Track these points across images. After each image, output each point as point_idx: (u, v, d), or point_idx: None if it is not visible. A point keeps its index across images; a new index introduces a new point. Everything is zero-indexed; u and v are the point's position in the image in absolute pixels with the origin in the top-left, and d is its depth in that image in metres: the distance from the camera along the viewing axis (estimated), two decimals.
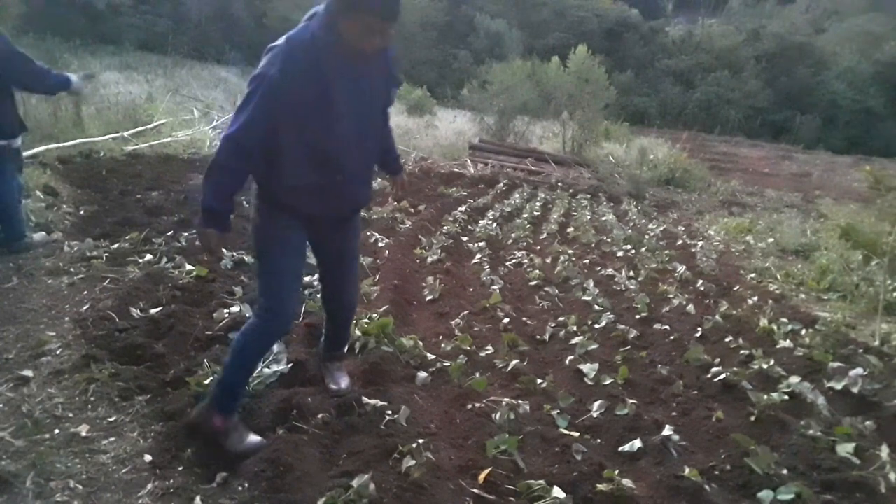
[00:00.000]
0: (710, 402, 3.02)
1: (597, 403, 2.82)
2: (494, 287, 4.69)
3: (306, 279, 4.01)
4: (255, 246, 2.32)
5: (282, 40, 2.00)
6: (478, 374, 3.04)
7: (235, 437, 2.15)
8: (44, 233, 4.28)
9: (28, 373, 2.48)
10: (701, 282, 5.43)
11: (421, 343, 3.22)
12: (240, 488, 1.94)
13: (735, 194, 12.68)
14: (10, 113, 3.86)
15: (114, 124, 8.84)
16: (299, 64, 1.94)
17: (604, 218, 8.58)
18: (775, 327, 4.15)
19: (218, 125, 10.96)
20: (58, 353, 2.67)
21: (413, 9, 29.43)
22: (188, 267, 3.80)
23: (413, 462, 2.05)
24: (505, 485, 2.16)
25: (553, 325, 4.03)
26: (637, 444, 2.50)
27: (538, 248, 6.56)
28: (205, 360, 2.56)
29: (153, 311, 3.12)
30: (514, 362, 3.26)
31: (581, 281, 5.06)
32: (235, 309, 3.21)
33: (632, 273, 5.60)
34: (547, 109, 15.53)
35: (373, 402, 2.42)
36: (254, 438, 2.17)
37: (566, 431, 2.61)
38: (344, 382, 2.62)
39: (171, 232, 4.58)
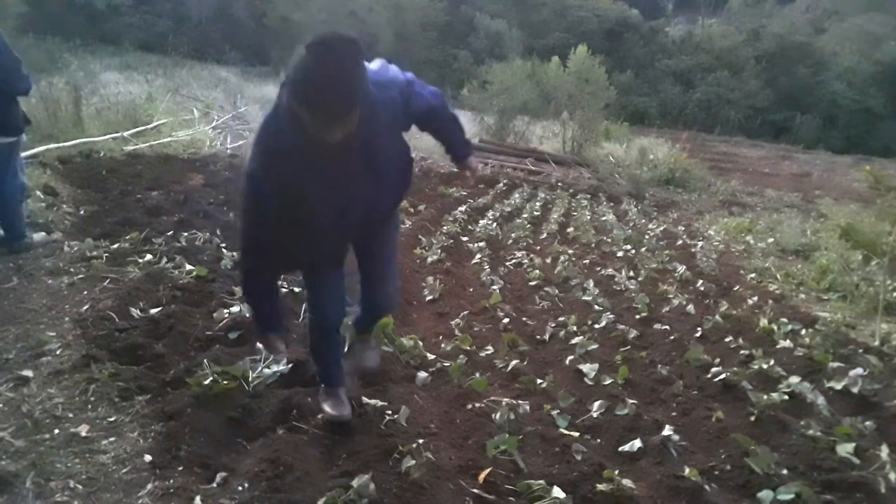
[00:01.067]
0: (710, 402, 3.02)
1: (597, 403, 2.82)
2: (494, 287, 4.69)
3: None
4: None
5: (257, 130, 1.93)
6: (478, 374, 3.04)
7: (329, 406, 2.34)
8: (44, 233, 4.28)
9: (28, 373, 2.48)
10: (701, 282, 5.43)
11: (421, 343, 3.22)
12: (240, 488, 1.94)
13: (735, 194, 12.67)
14: (16, 109, 3.87)
15: (114, 124, 8.84)
16: (275, 157, 1.86)
17: (604, 218, 8.58)
18: (775, 327, 4.15)
19: (218, 125, 10.96)
20: (58, 353, 2.67)
21: (413, 9, 29.46)
22: (188, 267, 3.80)
23: (413, 462, 2.05)
24: (505, 485, 2.16)
25: (553, 325, 4.03)
26: (637, 444, 2.50)
27: (538, 248, 6.56)
28: (205, 360, 2.55)
29: (153, 311, 3.11)
30: (514, 362, 3.26)
31: (581, 281, 5.06)
32: (235, 309, 3.21)
33: (632, 273, 5.60)
34: (547, 109, 15.53)
35: (373, 402, 2.42)
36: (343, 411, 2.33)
37: (566, 431, 2.61)
38: (373, 361, 2.71)
39: (171, 232, 4.58)
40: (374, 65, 2.04)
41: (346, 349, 2.72)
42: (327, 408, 2.32)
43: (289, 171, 1.86)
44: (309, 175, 1.88)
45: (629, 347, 3.70)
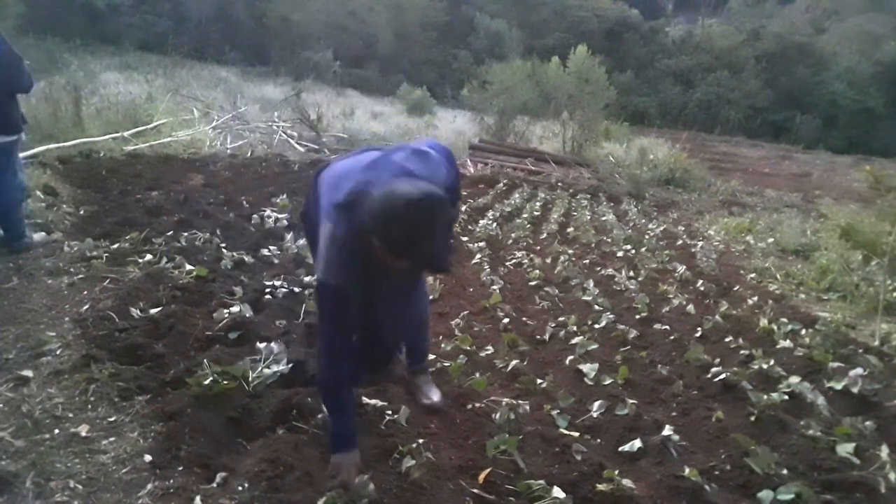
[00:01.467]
0: (710, 402, 3.02)
1: (597, 403, 2.82)
2: (494, 287, 4.69)
3: (305, 279, 4.02)
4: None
5: (332, 238, 1.92)
6: (478, 374, 3.04)
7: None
8: (44, 233, 4.28)
9: (28, 373, 2.48)
10: (701, 282, 5.43)
11: None
12: (240, 488, 1.94)
13: (735, 194, 12.67)
14: (15, 108, 3.87)
15: (114, 124, 8.84)
16: (352, 266, 1.92)
17: (604, 218, 8.58)
18: (775, 327, 4.15)
19: (218, 125, 10.96)
20: (58, 353, 2.67)
21: (413, 9, 29.45)
22: (188, 267, 3.79)
23: (413, 462, 2.05)
24: (505, 485, 2.16)
25: (553, 325, 4.03)
26: (637, 444, 2.50)
27: (538, 248, 6.56)
28: (205, 360, 2.55)
29: (153, 311, 3.11)
30: (514, 362, 3.26)
31: (581, 281, 5.06)
32: (235, 309, 3.21)
33: (632, 273, 5.60)
34: (547, 109, 15.52)
35: (373, 402, 2.42)
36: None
37: (566, 431, 2.61)
38: (436, 396, 2.63)
39: (171, 232, 4.58)
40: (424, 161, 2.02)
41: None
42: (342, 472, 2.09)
43: (358, 276, 1.94)
44: (371, 280, 1.99)
45: (629, 347, 3.70)
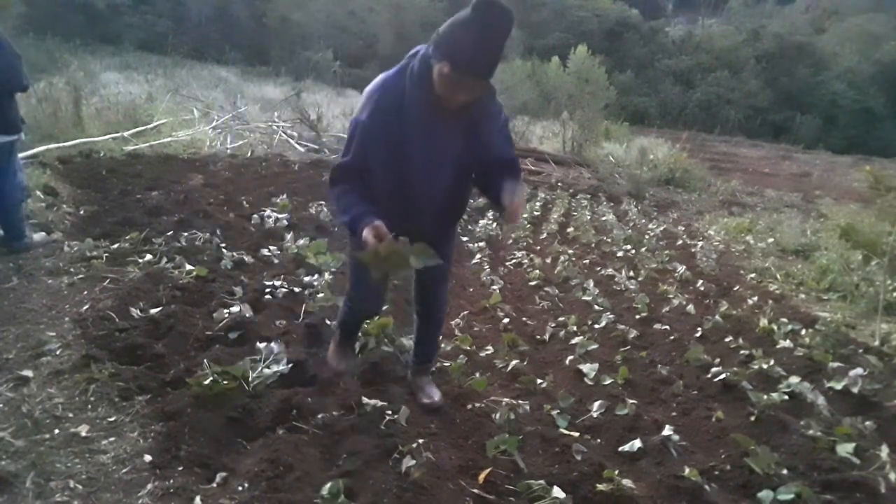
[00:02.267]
0: (710, 402, 3.02)
1: (597, 403, 2.82)
2: (494, 287, 4.69)
3: (305, 279, 4.02)
4: (349, 242, 2.47)
5: (378, 80, 2.11)
6: (478, 374, 3.04)
7: (332, 355, 2.74)
8: (44, 233, 4.28)
9: (28, 373, 2.48)
10: (701, 282, 5.43)
11: None
12: (240, 488, 1.94)
13: (735, 194, 12.68)
14: (14, 108, 3.87)
15: (114, 124, 8.84)
16: (384, 113, 2.05)
17: (604, 218, 8.58)
18: (775, 327, 4.15)
19: (218, 125, 10.96)
20: (58, 353, 2.67)
21: (413, 9, 29.45)
22: (188, 267, 3.79)
23: (413, 462, 2.04)
24: (505, 485, 2.16)
25: (553, 325, 4.03)
26: (637, 444, 2.50)
27: (538, 248, 6.56)
28: (205, 360, 2.55)
29: (153, 311, 3.11)
30: (514, 362, 3.26)
31: (581, 281, 5.07)
32: (235, 309, 3.20)
33: (632, 273, 5.60)
34: (547, 109, 15.55)
35: (373, 402, 2.42)
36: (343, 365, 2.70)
37: (566, 431, 2.61)
38: (436, 395, 2.64)
39: (171, 232, 4.58)
40: None
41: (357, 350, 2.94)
42: (332, 360, 2.73)
43: (392, 126, 2.04)
44: (409, 136, 2.06)
45: (629, 347, 3.70)
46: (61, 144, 7.06)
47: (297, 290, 3.80)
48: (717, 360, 3.50)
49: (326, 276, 4.03)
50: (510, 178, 2.11)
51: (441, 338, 3.51)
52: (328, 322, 3.20)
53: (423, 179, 2.15)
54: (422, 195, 2.19)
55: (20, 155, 4.36)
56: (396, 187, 2.16)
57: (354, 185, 2.14)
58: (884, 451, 2.47)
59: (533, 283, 5.03)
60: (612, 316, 4.22)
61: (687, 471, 2.26)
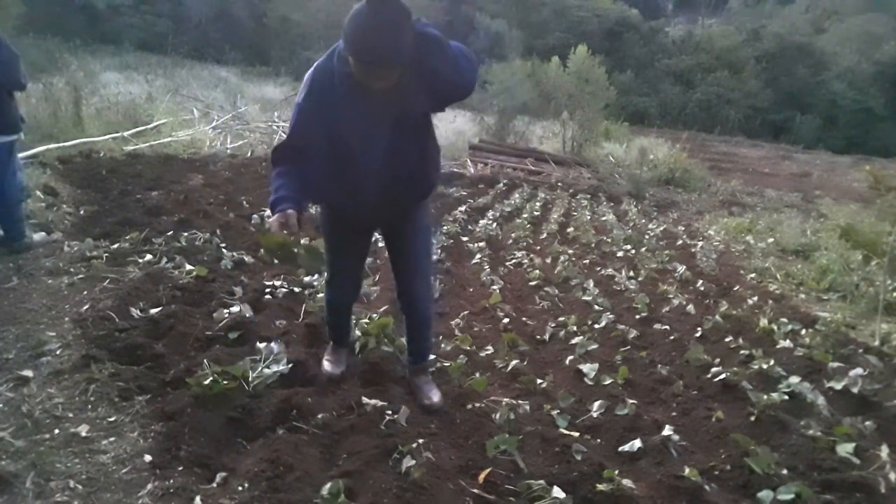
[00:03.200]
0: (710, 402, 3.02)
1: (597, 403, 2.82)
2: (494, 287, 4.69)
3: (305, 279, 4.02)
4: (321, 231, 2.60)
5: (314, 65, 2.19)
6: (478, 374, 3.04)
7: (327, 362, 2.77)
8: (44, 233, 4.28)
9: (28, 373, 2.48)
10: (701, 282, 5.43)
11: None
12: (240, 488, 1.94)
13: (735, 194, 12.68)
14: (14, 108, 3.87)
15: (114, 124, 8.84)
16: (319, 93, 2.13)
17: (604, 218, 8.58)
18: (775, 327, 4.15)
19: (218, 125, 10.96)
20: (58, 353, 2.67)
21: (413, 9, 29.40)
22: (188, 267, 3.79)
23: (413, 462, 2.04)
24: (505, 485, 2.16)
25: (553, 325, 4.03)
26: (637, 444, 2.49)
27: (538, 248, 6.56)
28: (205, 360, 2.55)
29: (153, 311, 3.11)
30: (514, 362, 3.26)
31: (581, 281, 5.07)
32: (235, 309, 3.20)
33: (632, 273, 5.60)
34: (547, 109, 15.54)
35: (373, 402, 2.42)
36: (335, 370, 2.72)
37: (566, 431, 2.61)
38: (436, 396, 2.62)
39: (171, 232, 4.58)
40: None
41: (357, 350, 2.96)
42: (325, 365, 2.75)
43: (326, 105, 2.12)
44: (343, 113, 2.11)
45: (629, 347, 3.70)
46: (61, 144, 7.06)
47: (297, 290, 3.81)
48: (717, 360, 3.50)
49: (326, 276, 4.02)
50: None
51: (440, 338, 3.52)
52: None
53: (363, 153, 2.18)
54: (367, 170, 2.21)
55: (20, 155, 4.36)
56: (342, 164, 2.21)
57: (290, 168, 2.19)
58: (884, 451, 2.47)
59: (533, 283, 5.03)
60: (612, 316, 4.21)
61: (687, 471, 2.26)
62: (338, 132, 2.15)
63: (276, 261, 2.25)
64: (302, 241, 2.20)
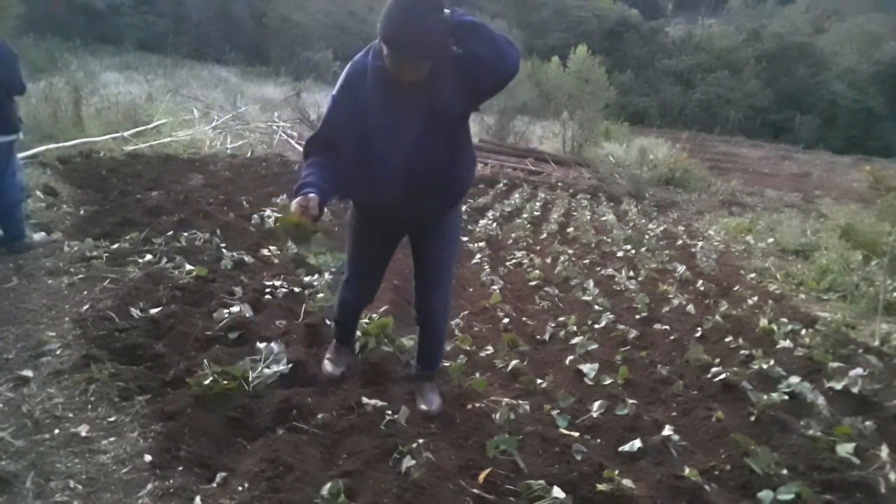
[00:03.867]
0: (710, 402, 3.02)
1: (597, 403, 2.82)
2: (494, 287, 4.69)
3: (305, 279, 4.02)
4: (348, 231, 2.61)
5: (351, 61, 2.22)
6: (478, 374, 3.04)
7: (328, 361, 2.75)
8: (44, 233, 4.28)
9: (28, 373, 2.48)
10: (701, 282, 5.43)
11: None
12: (240, 488, 1.94)
13: (735, 194, 12.68)
14: (13, 108, 3.87)
15: (114, 124, 8.84)
16: (352, 87, 2.16)
17: (604, 218, 8.58)
18: (775, 327, 4.15)
19: (218, 125, 10.96)
20: (58, 353, 2.67)
21: None
22: (188, 267, 3.79)
23: (413, 462, 2.04)
24: (505, 485, 2.16)
25: (553, 325, 4.03)
26: (637, 444, 2.49)
27: (538, 248, 6.56)
28: (205, 360, 2.55)
29: (153, 311, 3.11)
30: (514, 362, 3.26)
31: (581, 281, 5.07)
32: (235, 309, 3.20)
33: (632, 273, 5.60)
34: (547, 109, 15.54)
35: (373, 402, 2.42)
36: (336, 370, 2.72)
37: (566, 431, 2.61)
38: (435, 404, 2.60)
39: (171, 232, 4.58)
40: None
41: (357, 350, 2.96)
42: (326, 366, 2.75)
43: (358, 99, 2.14)
44: (372, 108, 2.13)
45: (629, 347, 3.70)
46: (61, 144, 7.06)
47: (297, 290, 3.80)
48: (717, 360, 3.50)
49: (326, 276, 4.03)
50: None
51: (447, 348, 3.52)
52: (328, 322, 3.20)
53: (390, 149, 2.18)
54: (394, 167, 2.20)
55: (20, 155, 4.36)
56: (370, 161, 2.21)
57: (321, 160, 2.20)
58: (884, 451, 2.47)
59: (533, 283, 5.03)
60: (612, 316, 4.21)
61: (687, 471, 2.26)
62: (367, 127, 2.16)
63: (289, 241, 2.24)
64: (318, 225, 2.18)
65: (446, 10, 1.96)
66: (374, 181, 2.24)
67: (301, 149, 2.34)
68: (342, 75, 2.20)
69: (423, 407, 2.58)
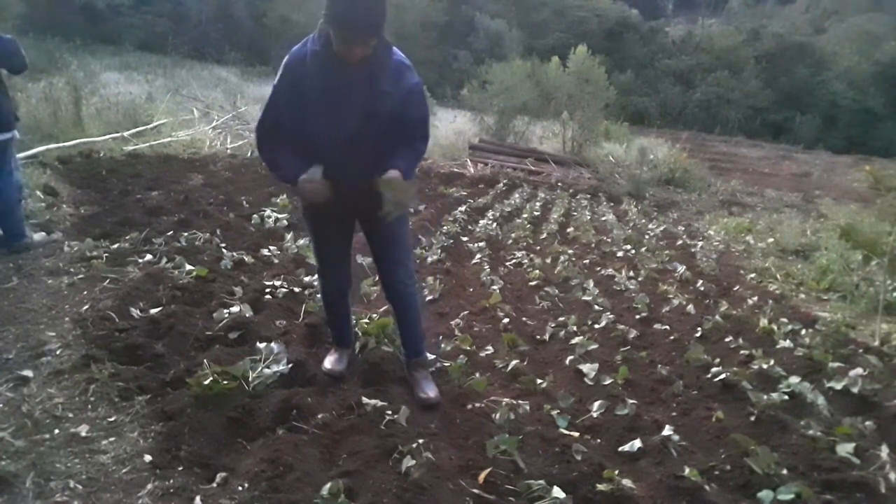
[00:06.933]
0: (710, 402, 3.02)
1: (597, 403, 2.82)
2: (494, 287, 4.69)
3: (305, 279, 4.02)
4: (305, 223, 2.73)
5: (288, 53, 2.35)
6: (478, 374, 3.04)
7: (328, 361, 2.77)
8: (44, 233, 4.28)
9: (28, 373, 2.48)
10: (701, 282, 5.43)
11: None
12: (240, 488, 1.94)
13: (735, 194, 12.68)
14: (8, 105, 3.86)
15: (114, 124, 8.84)
16: (291, 74, 2.29)
17: (604, 218, 8.58)
18: (775, 327, 4.15)
19: (218, 125, 10.96)
20: (58, 353, 2.67)
21: (413, 9, 29.41)
22: (188, 267, 3.79)
23: (413, 462, 2.04)
24: (505, 485, 2.16)
25: (553, 325, 4.03)
26: (637, 444, 2.49)
27: (538, 248, 6.56)
28: (205, 360, 2.55)
29: (153, 311, 3.11)
30: (514, 362, 3.26)
31: (581, 281, 5.06)
32: (235, 309, 3.20)
33: (632, 273, 5.60)
34: (547, 109, 15.52)
35: (373, 402, 2.42)
36: (336, 367, 2.75)
37: (566, 431, 2.61)
38: (433, 392, 2.64)
39: (171, 232, 4.58)
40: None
41: (357, 349, 2.97)
42: (326, 363, 2.77)
43: (297, 86, 2.26)
44: (311, 92, 2.25)
45: (629, 347, 3.70)
46: (61, 144, 7.06)
47: (297, 290, 3.80)
48: (717, 360, 3.50)
49: (317, 268, 4.02)
50: (404, 159, 2.35)
51: (440, 338, 3.52)
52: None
53: (332, 132, 2.29)
54: (337, 149, 2.31)
55: (21, 155, 4.36)
56: (312, 143, 2.32)
57: (277, 144, 2.36)
58: (884, 451, 2.47)
59: (533, 283, 5.03)
60: (612, 316, 4.21)
61: (687, 471, 2.26)
62: (307, 111, 2.28)
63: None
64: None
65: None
66: (314, 163, 2.34)
67: None
68: (282, 65, 2.33)
69: (422, 395, 2.61)
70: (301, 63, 2.27)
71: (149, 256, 3.97)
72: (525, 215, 8.02)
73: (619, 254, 6.47)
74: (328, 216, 2.51)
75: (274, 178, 2.71)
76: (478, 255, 5.69)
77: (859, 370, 3.28)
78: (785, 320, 4.34)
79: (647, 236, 7.39)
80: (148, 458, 2.05)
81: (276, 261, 4.46)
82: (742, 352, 3.66)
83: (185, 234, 4.57)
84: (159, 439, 2.14)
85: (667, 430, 2.53)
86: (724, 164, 18.13)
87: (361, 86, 2.25)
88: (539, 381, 3.08)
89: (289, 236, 5.01)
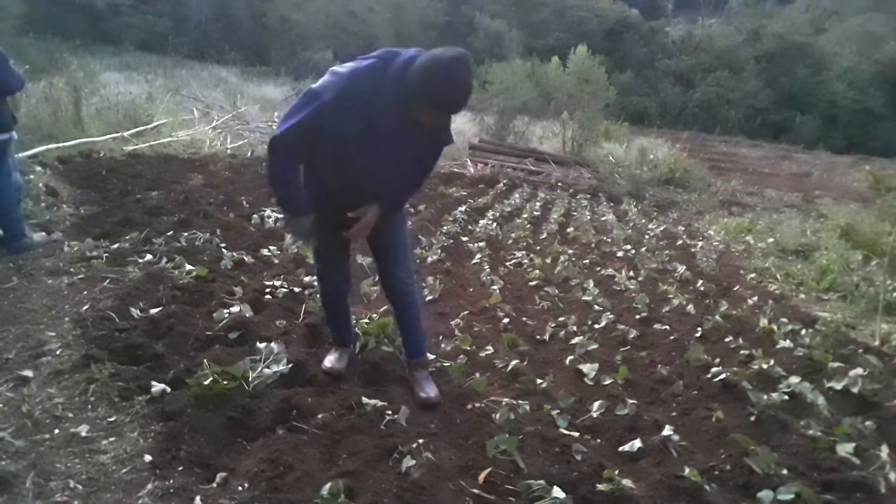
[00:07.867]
0: (710, 402, 3.02)
1: (597, 403, 2.82)
2: (494, 287, 4.69)
3: (305, 279, 4.02)
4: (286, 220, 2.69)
5: (346, 69, 2.17)
6: (478, 374, 3.04)
7: (328, 361, 2.76)
8: (44, 233, 4.28)
9: (28, 373, 2.48)
10: (701, 282, 5.43)
11: None
12: (240, 488, 1.94)
13: (735, 194, 12.69)
14: (5, 107, 3.85)
15: (114, 124, 8.85)
16: (351, 103, 2.12)
17: (604, 218, 8.58)
18: (775, 327, 4.15)
19: (218, 125, 10.96)
20: (58, 353, 2.67)
21: (413, 9, 29.42)
22: (188, 267, 3.79)
23: (413, 462, 2.04)
24: (505, 485, 2.16)
25: (553, 325, 4.03)
26: (637, 444, 2.49)
27: (538, 248, 6.56)
28: (205, 360, 2.55)
29: (153, 311, 3.11)
30: (514, 362, 3.25)
31: (581, 281, 5.06)
32: (235, 309, 3.20)
33: (632, 273, 5.60)
34: (547, 109, 15.53)
35: (373, 402, 2.42)
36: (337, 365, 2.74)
37: (566, 431, 2.61)
38: (433, 391, 2.65)
39: (171, 232, 4.58)
40: None
41: (357, 350, 2.98)
42: (326, 363, 2.76)
43: (349, 113, 2.12)
44: (373, 131, 2.17)
45: (629, 347, 3.70)
46: (61, 144, 7.07)
47: (297, 290, 3.80)
48: (717, 360, 3.50)
49: (316, 270, 4.03)
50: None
51: (440, 338, 3.52)
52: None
53: (361, 172, 2.30)
54: (352, 180, 2.33)
55: (21, 155, 4.35)
56: (330, 169, 2.32)
57: (293, 160, 2.27)
58: (884, 451, 2.47)
59: (533, 283, 5.03)
60: (612, 316, 4.21)
61: (687, 471, 2.25)
62: (349, 146, 2.21)
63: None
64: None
65: None
66: (328, 186, 2.37)
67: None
68: (341, 79, 2.13)
69: (422, 395, 2.61)
70: (367, 95, 2.12)
71: (149, 256, 3.97)
72: (525, 215, 8.02)
73: (619, 254, 6.47)
74: (326, 222, 2.52)
75: (267, 186, 2.70)
76: (478, 255, 5.69)
77: (859, 370, 3.28)
78: (785, 320, 4.34)
79: (647, 236, 7.39)
80: (148, 458, 2.05)
81: (276, 261, 4.46)
82: (742, 352, 3.66)
83: (185, 234, 4.57)
84: (159, 439, 2.14)
85: (667, 430, 2.53)
86: (724, 164, 18.14)
87: (418, 142, 2.28)
88: (539, 381, 3.08)
89: (289, 236, 5.00)
